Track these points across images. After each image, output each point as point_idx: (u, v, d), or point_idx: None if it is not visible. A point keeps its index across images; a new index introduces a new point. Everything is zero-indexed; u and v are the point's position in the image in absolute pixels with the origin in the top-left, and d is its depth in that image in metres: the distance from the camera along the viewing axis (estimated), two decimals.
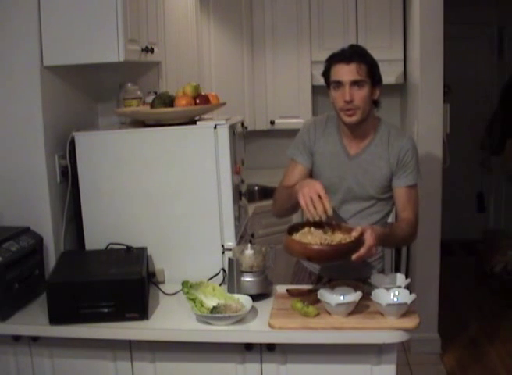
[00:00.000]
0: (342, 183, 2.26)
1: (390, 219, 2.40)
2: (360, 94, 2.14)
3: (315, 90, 4.24)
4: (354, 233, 1.96)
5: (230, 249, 2.29)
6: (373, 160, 2.23)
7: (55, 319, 2.00)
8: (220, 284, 2.26)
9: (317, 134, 2.31)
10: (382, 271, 2.38)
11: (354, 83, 2.13)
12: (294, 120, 4.06)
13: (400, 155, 2.21)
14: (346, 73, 2.14)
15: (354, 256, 1.93)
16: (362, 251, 1.93)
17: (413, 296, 1.95)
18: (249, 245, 2.20)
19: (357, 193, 2.25)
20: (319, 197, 1.99)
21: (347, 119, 2.19)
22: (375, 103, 2.23)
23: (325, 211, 1.98)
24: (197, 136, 2.34)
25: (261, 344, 1.97)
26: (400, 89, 4.29)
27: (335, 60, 2.19)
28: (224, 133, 2.32)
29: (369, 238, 1.94)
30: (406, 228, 2.19)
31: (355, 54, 2.17)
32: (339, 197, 2.28)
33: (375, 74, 2.18)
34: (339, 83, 2.16)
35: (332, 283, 2.11)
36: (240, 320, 1.97)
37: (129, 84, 2.69)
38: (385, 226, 2.19)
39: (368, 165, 2.23)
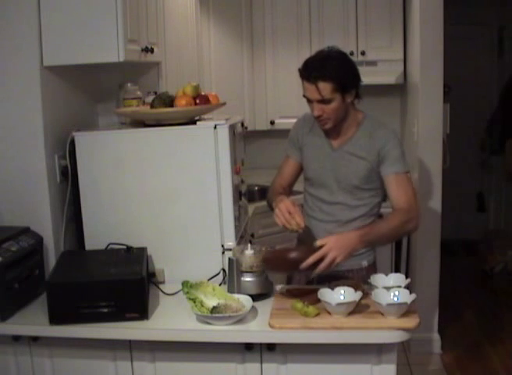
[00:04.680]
0: (327, 174, 2.32)
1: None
2: (329, 108, 2.18)
3: None
4: (318, 243, 2.04)
5: (230, 249, 2.29)
6: (355, 151, 2.27)
7: (55, 319, 2.00)
8: (220, 284, 2.26)
9: (305, 129, 2.40)
10: (374, 263, 2.40)
11: (320, 100, 2.16)
12: (294, 120, 4.04)
13: (381, 145, 2.24)
14: (311, 92, 2.17)
15: (317, 269, 2.00)
16: (322, 265, 1.99)
17: (413, 296, 1.95)
18: (249, 245, 2.20)
19: (343, 184, 2.30)
20: (291, 212, 2.14)
21: (321, 127, 2.28)
22: (356, 96, 2.25)
23: (299, 224, 2.13)
24: (197, 136, 2.34)
25: (261, 344, 1.97)
26: (400, 89, 4.29)
27: (301, 75, 2.20)
28: (224, 133, 2.32)
29: (326, 251, 1.99)
30: (394, 218, 2.20)
31: (317, 72, 2.12)
32: (326, 188, 2.33)
33: (344, 86, 2.16)
34: (308, 99, 2.20)
35: (333, 283, 2.11)
36: (240, 320, 1.97)
37: (129, 84, 2.69)
38: (363, 226, 2.22)
39: (350, 156, 2.28)
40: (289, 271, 2.03)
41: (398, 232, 2.25)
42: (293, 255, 2.02)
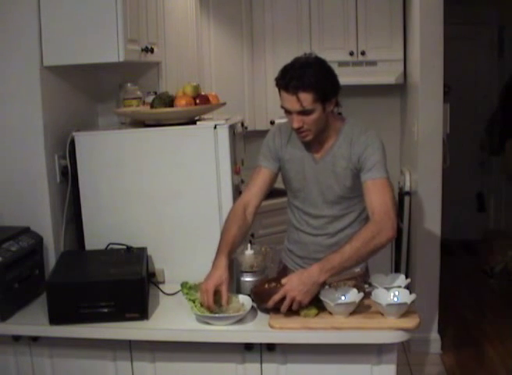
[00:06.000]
0: (311, 187, 2.26)
1: None
2: (310, 119, 2.09)
3: None
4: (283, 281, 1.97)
5: None
6: (337, 161, 2.20)
7: (55, 319, 2.00)
8: None
9: (282, 140, 2.29)
10: (366, 269, 2.38)
11: (301, 112, 2.07)
12: None
13: (361, 151, 2.16)
14: (290, 103, 2.06)
15: (282, 307, 1.94)
16: (283, 306, 1.93)
17: (413, 296, 1.95)
18: (249, 245, 2.20)
19: (328, 195, 2.24)
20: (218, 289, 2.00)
21: (301, 140, 2.19)
22: (336, 105, 2.17)
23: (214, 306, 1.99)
24: (197, 136, 2.34)
25: (261, 344, 1.97)
26: (400, 89, 4.29)
27: (278, 84, 2.09)
28: (224, 133, 2.32)
29: (285, 292, 1.93)
30: (358, 238, 2.02)
31: (297, 82, 2.02)
32: (311, 202, 2.28)
33: (325, 95, 2.07)
34: (286, 110, 2.11)
35: (334, 283, 2.10)
36: (240, 320, 1.97)
37: (129, 84, 2.69)
38: (325, 256, 2.03)
39: (333, 166, 2.21)
40: (277, 306, 1.99)
41: (367, 249, 2.01)
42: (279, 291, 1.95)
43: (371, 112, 4.24)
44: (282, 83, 2.06)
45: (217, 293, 2.00)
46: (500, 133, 5.33)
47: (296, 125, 2.10)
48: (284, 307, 1.94)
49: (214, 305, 1.98)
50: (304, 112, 2.07)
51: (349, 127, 2.22)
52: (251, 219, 2.28)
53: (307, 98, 2.04)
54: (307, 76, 2.03)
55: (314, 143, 2.22)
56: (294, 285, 1.92)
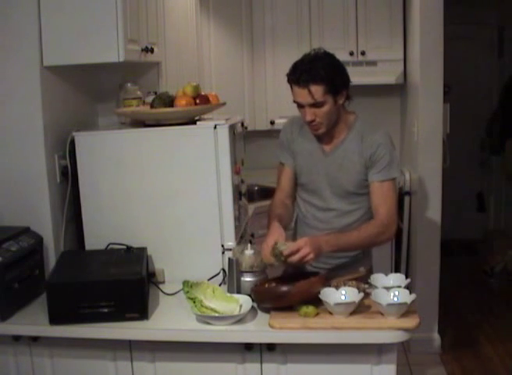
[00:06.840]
0: (320, 180, 2.29)
1: None
2: (322, 112, 2.15)
3: None
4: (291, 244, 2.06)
5: (230, 249, 2.29)
6: (347, 155, 2.24)
7: (55, 319, 2.00)
8: (220, 284, 2.26)
9: (294, 133, 2.36)
10: (370, 269, 2.39)
11: (313, 104, 2.13)
12: None
13: (372, 150, 2.20)
14: (302, 96, 2.13)
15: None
16: (296, 257, 2.01)
17: (413, 296, 1.95)
18: (249, 245, 2.20)
19: (336, 189, 2.27)
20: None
21: (314, 133, 2.25)
22: (346, 98, 2.21)
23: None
24: (196, 136, 2.34)
25: (261, 344, 1.97)
26: (400, 89, 4.29)
27: (290, 80, 2.16)
28: (224, 134, 2.32)
29: (301, 245, 2.02)
30: (367, 230, 2.18)
31: (307, 75, 2.09)
32: (319, 195, 2.31)
33: (336, 87, 2.13)
34: (299, 104, 2.17)
35: (334, 283, 2.10)
36: (240, 320, 1.97)
37: (129, 84, 2.69)
38: (335, 233, 2.21)
39: (342, 160, 2.25)
40: (277, 305, 2.01)
41: (369, 243, 2.23)
42: (281, 289, 1.98)
43: (371, 112, 4.22)
44: (294, 78, 2.14)
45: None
46: (500, 133, 5.33)
47: (308, 118, 2.16)
48: (296, 258, 2.01)
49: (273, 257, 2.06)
50: (316, 105, 2.13)
51: (360, 124, 2.27)
52: (292, 207, 2.41)
53: (318, 90, 2.10)
54: (317, 69, 2.09)
55: (325, 136, 2.27)
56: (311, 243, 2.02)
